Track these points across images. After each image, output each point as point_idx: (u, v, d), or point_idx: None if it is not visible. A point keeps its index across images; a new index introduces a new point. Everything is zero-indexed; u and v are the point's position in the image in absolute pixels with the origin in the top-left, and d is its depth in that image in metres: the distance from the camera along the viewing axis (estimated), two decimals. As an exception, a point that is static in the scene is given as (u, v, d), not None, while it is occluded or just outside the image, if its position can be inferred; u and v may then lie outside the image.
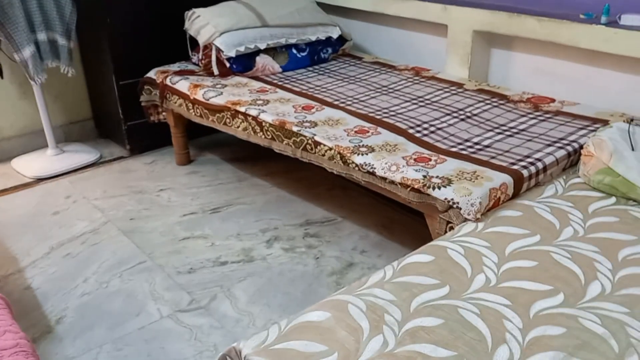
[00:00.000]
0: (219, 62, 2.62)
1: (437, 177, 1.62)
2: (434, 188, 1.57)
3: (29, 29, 2.57)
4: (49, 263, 2.17)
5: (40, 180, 2.82)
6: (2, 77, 2.81)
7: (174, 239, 2.32)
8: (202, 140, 3.21)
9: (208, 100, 2.42)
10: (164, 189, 2.74)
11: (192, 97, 2.52)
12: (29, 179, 2.83)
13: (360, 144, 1.88)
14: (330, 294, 2.01)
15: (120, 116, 2.96)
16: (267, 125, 2.16)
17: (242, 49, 2.59)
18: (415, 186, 1.62)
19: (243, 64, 2.64)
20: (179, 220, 2.46)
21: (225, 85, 2.53)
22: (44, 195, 2.69)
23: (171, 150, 3.01)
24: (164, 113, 2.85)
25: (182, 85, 2.59)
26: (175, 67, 2.79)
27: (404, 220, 2.38)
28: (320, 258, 2.17)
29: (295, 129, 2.05)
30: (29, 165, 2.92)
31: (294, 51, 2.74)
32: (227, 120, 2.37)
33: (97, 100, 3.20)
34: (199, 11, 2.68)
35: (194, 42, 2.77)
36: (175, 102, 2.65)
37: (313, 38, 2.77)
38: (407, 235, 2.28)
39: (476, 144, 1.85)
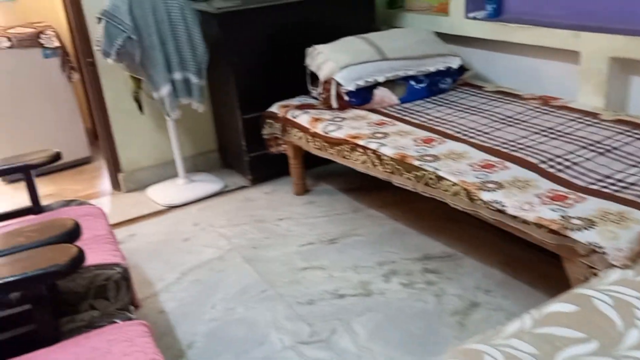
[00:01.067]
0: (338, 95, 2.67)
1: (577, 218, 1.51)
2: (574, 230, 1.47)
3: (166, 70, 2.79)
4: (180, 288, 2.31)
5: (171, 207, 3.03)
6: (142, 113, 3.08)
7: (294, 268, 2.38)
8: (318, 170, 3.28)
9: (327, 133, 2.47)
10: (283, 219, 2.82)
11: (312, 131, 2.58)
12: (162, 207, 3.05)
13: (487, 179, 1.81)
14: (453, 335, 1.96)
15: (243, 148, 3.11)
16: (387, 158, 2.16)
17: (361, 82, 2.63)
18: (553, 227, 1.52)
19: (361, 96, 2.67)
20: (297, 250, 2.52)
21: (344, 119, 2.57)
22: (174, 222, 2.88)
23: (289, 180, 3.10)
24: (284, 145, 2.95)
25: (303, 119, 2.67)
26: (295, 101, 2.89)
27: (530, 258, 2.25)
28: (441, 295, 2.10)
29: (416, 163, 2.03)
30: (162, 193, 3.15)
31: (412, 82, 2.73)
32: (346, 153, 2.40)
33: (223, 133, 3.39)
34: (320, 48, 2.77)
35: (314, 77, 2.86)
36: (296, 135, 2.74)
37: (432, 69, 2.74)
38: (534, 275, 2.15)
39: (619, 181, 1.71)
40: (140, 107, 3.06)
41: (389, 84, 2.71)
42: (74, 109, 3.65)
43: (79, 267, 1.29)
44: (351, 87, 2.61)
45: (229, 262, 2.46)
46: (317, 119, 2.60)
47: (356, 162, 2.36)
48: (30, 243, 1.35)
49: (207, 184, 3.21)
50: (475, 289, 2.12)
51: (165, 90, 2.82)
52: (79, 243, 1.37)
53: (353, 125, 2.48)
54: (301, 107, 2.79)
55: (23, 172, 1.94)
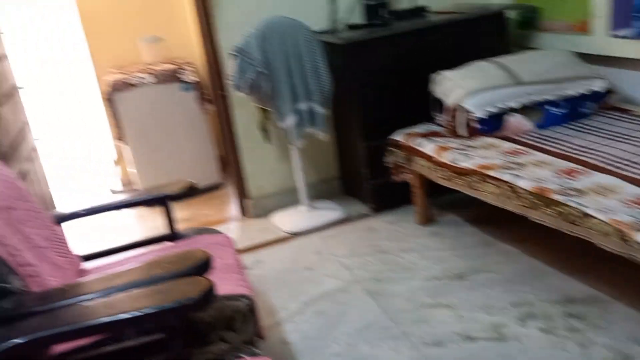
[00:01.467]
0: (467, 123, 2.55)
1: None
2: None
3: (292, 100, 2.86)
4: (303, 319, 2.30)
5: (295, 235, 3.07)
6: (269, 142, 3.18)
7: (419, 305, 2.27)
8: (443, 199, 3.15)
9: (455, 163, 2.36)
10: (407, 250, 2.73)
11: (438, 160, 2.48)
12: (286, 234, 3.10)
13: (645, 219, 1.60)
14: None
15: (365, 176, 3.08)
16: (523, 192, 2.00)
17: (492, 109, 2.49)
18: None
19: (492, 123, 2.52)
20: (422, 286, 2.41)
21: (473, 147, 2.44)
22: (298, 250, 2.91)
23: (412, 209, 3.01)
24: (407, 173, 2.87)
25: (428, 147, 2.58)
26: (420, 128, 2.81)
27: (698, 309, 1.94)
28: (587, 346, 1.88)
29: (557, 197, 1.85)
30: (286, 220, 3.21)
31: (550, 107, 2.53)
32: (476, 185, 2.26)
33: (345, 161, 3.39)
34: (447, 73, 2.67)
35: (439, 104, 2.76)
36: (420, 164, 2.65)
37: (573, 93, 2.52)
38: None
39: None
40: (267, 136, 3.16)
41: (523, 109, 2.53)
42: (207, 138, 3.88)
43: (211, 301, 1.32)
44: (481, 114, 2.48)
45: (352, 295, 2.42)
46: (443, 148, 2.49)
47: (487, 195, 2.22)
48: (167, 274, 1.40)
49: (329, 212, 3.21)
50: (627, 340, 1.87)
51: (291, 120, 2.88)
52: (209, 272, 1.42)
53: (483, 154, 2.34)
54: (426, 135, 2.70)
55: (162, 202, 2.06)
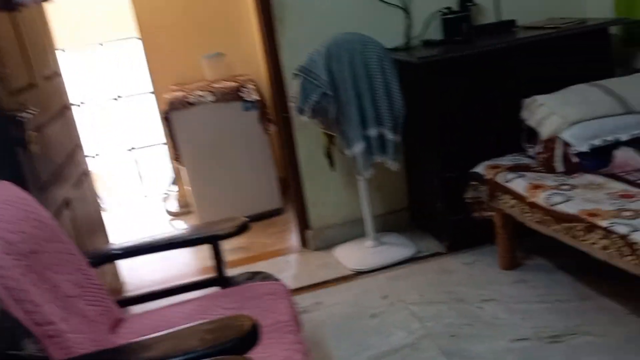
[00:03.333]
0: (565, 157, 2.17)
1: None
2: None
3: (361, 126, 2.57)
4: (367, 380, 2.00)
5: (359, 273, 2.77)
6: (334, 169, 2.91)
7: (505, 374, 1.91)
8: (531, 240, 2.74)
9: (553, 206, 1.99)
10: (487, 300, 2.36)
11: (529, 200, 2.12)
12: (349, 271, 2.80)
13: None
14: None
15: (440, 210, 2.74)
16: (645, 249, 1.61)
17: (597, 142, 2.10)
18: None
19: (596, 159, 2.13)
20: (508, 347, 2.04)
21: (574, 187, 2.06)
22: (362, 291, 2.61)
23: (493, 249, 2.64)
24: (490, 211, 2.51)
25: (518, 184, 2.22)
26: (506, 160, 2.45)
27: None
28: None
29: (696, 261, 1.46)
30: (350, 255, 2.92)
31: (669, 141, 2.12)
32: (579, 234, 1.89)
33: (416, 192, 3.07)
34: (541, 99, 2.31)
35: (531, 133, 2.39)
36: (507, 203, 2.29)
37: None
38: None
39: None
40: (331, 163, 2.89)
41: (636, 143, 2.13)
42: (268, 160, 3.66)
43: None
44: (584, 148, 2.10)
45: (424, 354, 2.08)
46: (537, 186, 2.12)
47: (593, 247, 1.84)
48: (202, 349, 1.15)
49: (397, 248, 2.89)
50: None
51: (358, 147, 2.59)
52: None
53: (587, 196, 1.96)
54: (514, 168, 2.34)
55: (211, 242, 1.83)
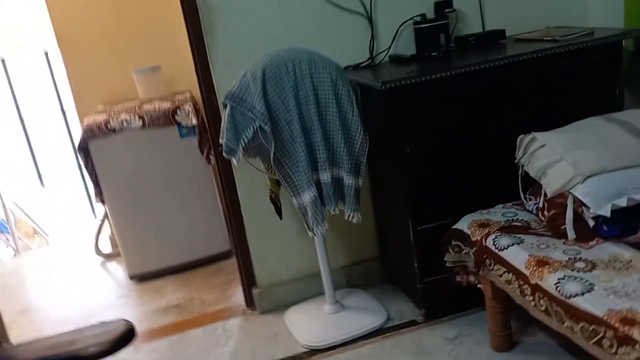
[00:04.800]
0: (579, 218, 1.61)
1: None
2: None
3: (310, 168, 1.99)
4: None
5: (314, 352, 2.19)
6: (280, 219, 2.32)
7: None
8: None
9: (568, 299, 1.42)
10: (477, 398, 1.80)
11: (533, 282, 1.55)
12: (302, 348, 2.22)
13: None
14: None
15: (415, 270, 2.17)
16: None
17: (622, 202, 1.54)
18: None
19: (620, 223, 1.57)
20: None
21: (594, 265, 1.50)
22: (314, 382, 2.03)
23: (481, 317, 2.09)
24: (477, 278, 1.95)
25: (515, 255, 1.65)
26: (498, 215, 1.88)
27: None
28: None
29: None
30: (303, 324, 2.34)
31: None
32: (606, 343, 1.32)
33: (387, 242, 2.49)
34: (542, 137, 1.74)
35: (529, 179, 1.83)
36: (501, 276, 1.72)
37: None
38: None
39: None
40: (278, 211, 2.30)
41: (674, 201, 1.58)
42: (212, 195, 3.06)
43: None
44: (604, 212, 1.54)
45: None
46: (541, 262, 1.56)
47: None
48: None
49: (363, 315, 2.32)
50: None
51: (308, 196, 2.01)
52: None
53: (614, 283, 1.40)
54: (509, 229, 1.77)
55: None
